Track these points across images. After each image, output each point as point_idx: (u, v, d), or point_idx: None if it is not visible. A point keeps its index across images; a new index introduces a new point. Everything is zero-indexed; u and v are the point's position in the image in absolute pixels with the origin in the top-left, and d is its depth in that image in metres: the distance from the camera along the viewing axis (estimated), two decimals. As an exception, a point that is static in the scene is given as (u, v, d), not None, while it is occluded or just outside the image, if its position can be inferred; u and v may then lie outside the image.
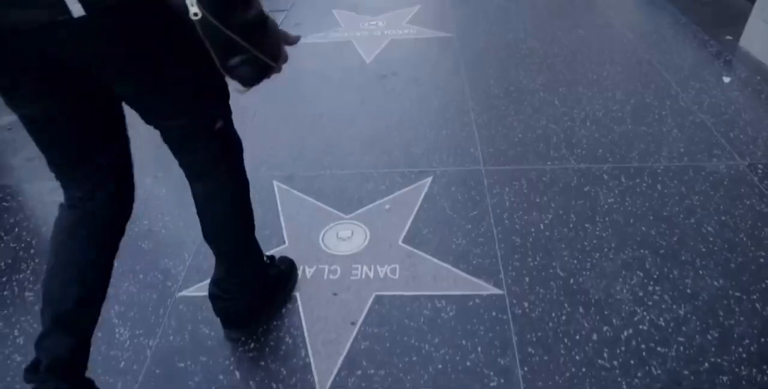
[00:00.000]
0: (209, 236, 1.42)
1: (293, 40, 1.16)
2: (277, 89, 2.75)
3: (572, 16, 3.48)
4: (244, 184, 1.39)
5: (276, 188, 2.13)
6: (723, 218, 1.91)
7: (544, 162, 2.19)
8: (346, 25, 3.48)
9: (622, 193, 2.03)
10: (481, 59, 3.00)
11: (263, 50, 1.02)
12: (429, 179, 2.12)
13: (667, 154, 2.22)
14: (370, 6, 3.74)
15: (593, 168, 2.15)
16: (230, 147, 1.33)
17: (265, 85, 1.10)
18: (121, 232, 1.31)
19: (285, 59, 1.11)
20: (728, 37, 3.11)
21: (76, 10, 0.92)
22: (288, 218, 1.97)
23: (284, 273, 1.70)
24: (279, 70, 1.09)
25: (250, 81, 1.06)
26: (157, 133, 1.24)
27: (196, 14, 0.92)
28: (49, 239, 1.25)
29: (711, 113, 2.45)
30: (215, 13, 0.94)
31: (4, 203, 2.15)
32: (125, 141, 1.25)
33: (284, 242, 1.88)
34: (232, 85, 1.08)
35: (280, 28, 1.10)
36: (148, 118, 1.19)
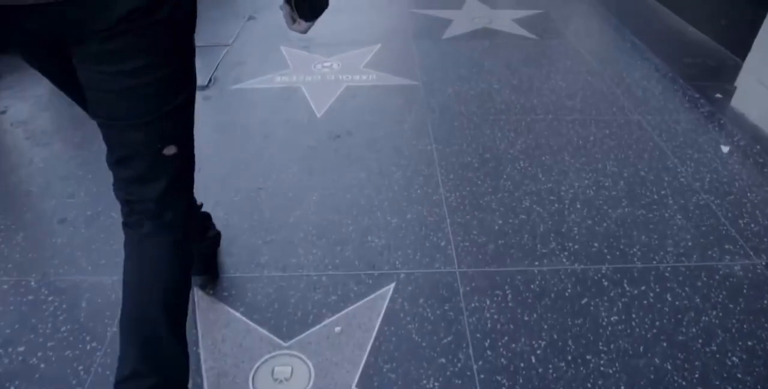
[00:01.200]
0: (132, 307, 1.12)
1: None
2: (211, 149, 2.29)
3: (549, 63, 3.14)
4: (186, 242, 1.19)
5: (196, 297, 1.67)
6: (749, 342, 1.56)
7: (531, 262, 1.80)
8: (295, 66, 3.05)
9: (627, 306, 1.65)
10: (451, 115, 2.61)
11: None
12: (391, 287, 1.70)
13: (674, 249, 1.86)
14: (324, 42, 3.32)
15: (590, 271, 1.77)
16: (182, 190, 1.16)
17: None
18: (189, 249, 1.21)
19: None
20: (718, 96, 2.82)
21: None
22: (208, 347, 1.51)
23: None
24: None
25: (315, 11, 1.15)
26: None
27: None
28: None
29: (715, 193, 2.12)
30: None
31: None
32: None
33: (202, 384, 1.42)
34: (294, 28, 1.19)
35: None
36: (96, 109, 1.03)
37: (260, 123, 2.52)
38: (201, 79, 2.86)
